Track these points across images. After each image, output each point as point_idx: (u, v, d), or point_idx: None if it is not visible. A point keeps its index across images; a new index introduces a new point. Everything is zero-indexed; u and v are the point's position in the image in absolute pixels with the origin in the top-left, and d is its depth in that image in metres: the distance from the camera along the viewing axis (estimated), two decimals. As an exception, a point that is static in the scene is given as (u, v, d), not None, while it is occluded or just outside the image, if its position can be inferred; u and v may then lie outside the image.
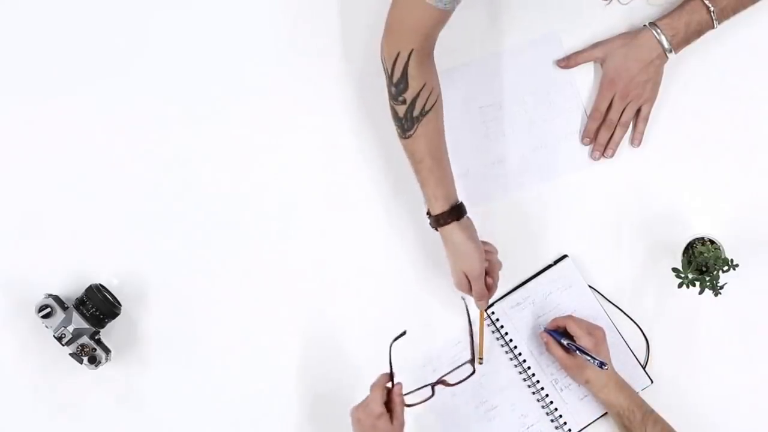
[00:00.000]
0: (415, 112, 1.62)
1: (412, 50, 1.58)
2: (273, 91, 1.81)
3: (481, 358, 1.74)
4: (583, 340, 1.70)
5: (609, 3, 1.43)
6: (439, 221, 1.66)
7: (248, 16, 1.81)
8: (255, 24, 1.81)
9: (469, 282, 1.69)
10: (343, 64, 1.80)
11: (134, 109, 1.81)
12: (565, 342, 1.72)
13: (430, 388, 1.65)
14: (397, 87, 1.60)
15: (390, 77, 1.61)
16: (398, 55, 1.58)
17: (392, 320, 1.78)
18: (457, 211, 1.66)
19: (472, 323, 1.69)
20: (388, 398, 1.61)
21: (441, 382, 1.67)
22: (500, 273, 1.74)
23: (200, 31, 1.81)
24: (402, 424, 1.62)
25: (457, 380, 1.68)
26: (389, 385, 1.63)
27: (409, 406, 1.63)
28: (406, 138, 1.64)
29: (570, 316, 1.75)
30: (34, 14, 1.81)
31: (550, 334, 1.74)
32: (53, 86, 1.81)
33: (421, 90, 1.61)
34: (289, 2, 1.80)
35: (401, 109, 1.62)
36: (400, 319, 1.78)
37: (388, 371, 1.63)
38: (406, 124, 1.63)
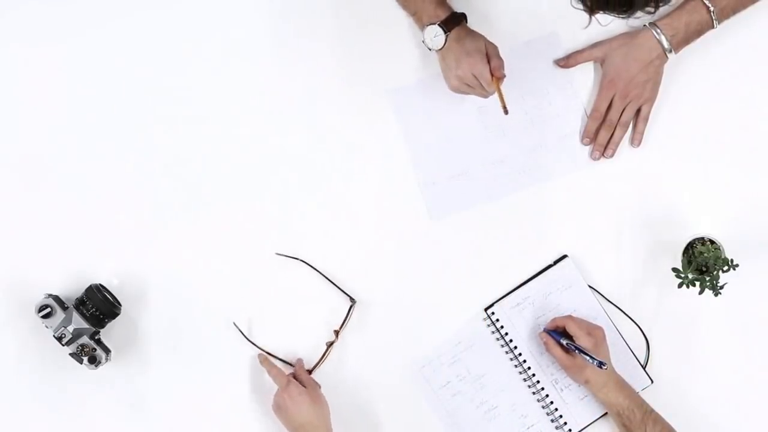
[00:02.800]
0: None
1: None
2: (272, 92, 1.81)
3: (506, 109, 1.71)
4: (583, 340, 1.70)
5: (588, 26, 1.45)
6: (449, 24, 1.68)
7: (241, 15, 1.82)
8: (246, 21, 1.82)
9: (475, 78, 1.69)
10: (337, 62, 1.81)
11: (134, 110, 1.81)
12: (564, 342, 1.72)
13: (325, 346, 1.78)
14: None
15: None
16: None
17: (392, 320, 1.79)
18: (460, 15, 1.70)
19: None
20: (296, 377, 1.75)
21: (334, 336, 1.78)
22: (499, 267, 1.78)
23: (193, 30, 1.82)
24: (314, 385, 1.74)
25: (342, 322, 1.77)
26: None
27: (311, 371, 1.77)
28: None
29: (569, 316, 1.75)
30: (38, 18, 1.82)
31: (550, 335, 1.74)
32: (52, 86, 1.81)
33: None
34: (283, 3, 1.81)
35: None
36: (399, 319, 1.79)
37: (277, 357, 1.78)
38: None
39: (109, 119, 1.81)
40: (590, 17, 1.41)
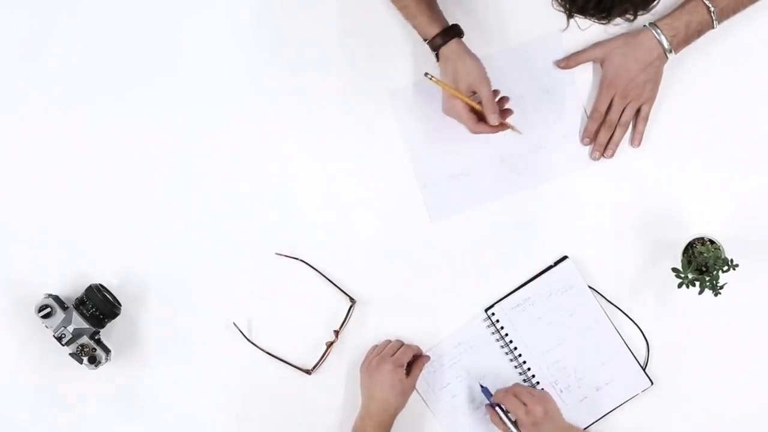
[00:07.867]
0: None
1: None
2: (272, 93, 1.82)
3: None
4: (520, 415, 1.68)
5: (566, 29, 1.46)
6: (437, 43, 1.68)
7: (243, 18, 1.82)
8: (248, 23, 1.82)
9: (464, 104, 1.67)
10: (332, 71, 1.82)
11: (133, 112, 1.81)
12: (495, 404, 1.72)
13: (325, 346, 1.78)
14: None
15: None
16: None
17: (392, 321, 1.79)
18: (454, 30, 1.69)
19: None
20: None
21: (334, 337, 1.78)
22: (499, 268, 1.78)
23: (196, 32, 1.82)
24: (413, 386, 1.74)
25: (342, 322, 1.78)
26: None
27: (311, 371, 1.78)
28: None
29: (512, 388, 1.73)
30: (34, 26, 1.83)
31: (493, 407, 1.73)
32: (50, 87, 1.82)
33: None
34: (276, 12, 1.82)
35: None
36: (399, 319, 1.79)
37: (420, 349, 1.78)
38: None
39: (109, 120, 1.81)
40: (568, 21, 1.42)
